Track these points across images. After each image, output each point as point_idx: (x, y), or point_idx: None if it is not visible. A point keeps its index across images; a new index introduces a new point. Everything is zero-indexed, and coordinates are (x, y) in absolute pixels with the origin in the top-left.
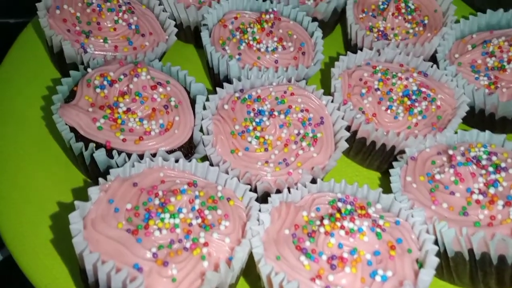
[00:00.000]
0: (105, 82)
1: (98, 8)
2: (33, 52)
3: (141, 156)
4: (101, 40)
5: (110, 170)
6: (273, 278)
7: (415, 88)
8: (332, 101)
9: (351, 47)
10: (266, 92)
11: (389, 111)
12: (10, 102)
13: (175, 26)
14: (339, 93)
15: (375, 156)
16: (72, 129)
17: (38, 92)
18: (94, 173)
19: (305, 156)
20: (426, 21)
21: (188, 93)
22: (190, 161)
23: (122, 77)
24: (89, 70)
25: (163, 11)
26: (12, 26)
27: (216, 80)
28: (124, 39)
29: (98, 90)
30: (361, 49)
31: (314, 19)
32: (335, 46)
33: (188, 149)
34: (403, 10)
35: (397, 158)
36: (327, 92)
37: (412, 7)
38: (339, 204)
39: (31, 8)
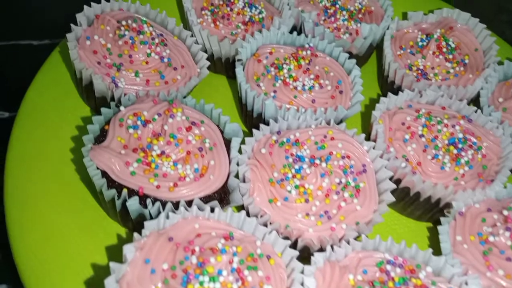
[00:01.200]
0: (138, 122)
1: (130, 41)
2: (59, 81)
3: (175, 204)
4: (133, 74)
5: (145, 223)
6: None
7: (460, 135)
8: (374, 148)
9: (388, 84)
10: (305, 135)
11: (435, 160)
12: (35, 141)
13: (207, 57)
14: (382, 139)
15: (418, 206)
16: (103, 173)
17: (66, 128)
18: (125, 220)
19: (348, 209)
20: (466, 61)
21: (222, 132)
22: (225, 210)
23: (156, 117)
24: (121, 108)
25: (195, 43)
26: (35, 48)
27: (249, 116)
28: (156, 72)
29: (131, 130)
30: (400, 88)
31: (349, 53)
32: (368, 78)
33: (222, 195)
34: (444, 49)
35: (442, 210)
36: (365, 129)
37: (453, 45)
38: (388, 267)
39: (54, 29)
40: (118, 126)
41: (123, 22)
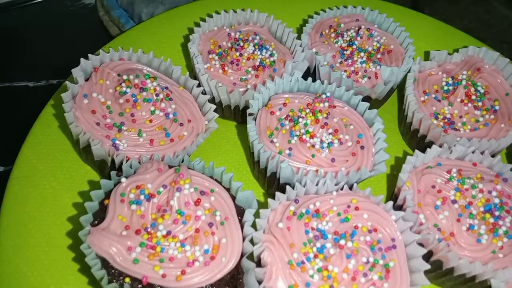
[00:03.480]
0: (141, 197)
1: (133, 99)
2: (55, 137)
3: None
4: (135, 134)
5: None
6: None
7: (497, 200)
8: (403, 218)
9: (411, 131)
10: (326, 205)
11: (470, 231)
12: (30, 207)
13: (214, 103)
14: (411, 208)
15: (451, 279)
16: (103, 259)
17: (63, 191)
18: None
19: None
20: (497, 107)
21: (234, 198)
22: None
23: (161, 189)
24: (122, 179)
25: (202, 93)
26: (31, 90)
27: (262, 173)
28: (160, 130)
29: (133, 206)
30: (425, 137)
31: (367, 97)
32: (387, 120)
33: (235, 274)
34: (472, 96)
35: (479, 284)
36: (390, 188)
37: (482, 91)
38: None
39: (50, 69)
40: (119, 202)
41: (124, 77)
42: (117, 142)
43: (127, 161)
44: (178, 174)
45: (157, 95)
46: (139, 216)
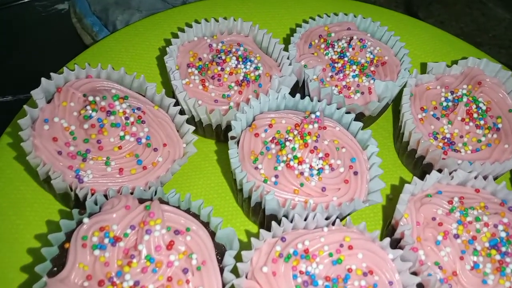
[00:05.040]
0: (106, 240)
1: (99, 123)
2: (13, 167)
3: None
4: (102, 163)
5: None
6: None
7: (503, 234)
8: (401, 259)
9: (408, 151)
10: (316, 243)
11: (474, 271)
12: None
13: (194, 121)
14: (410, 244)
15: None
16: None
17: (24, 227)
18: None
19: None
20: (499, 125)
21: (213, 236)
22: None
23: (129, 231)
24: (85, 219)
25: (179, 113)
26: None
27: (245, 203)
28: (131, 156)
29: (97, 252)
30: (423, 159)
31: (360, 115)
32: (381, 136)
33: None
34: (474, 114)
35: None
36: (386, 216)
37: (484, 107)
38: None
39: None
40: (81, 247)
41: (90, 98)
42: (81, 173)
43: (92, 194)
44: (148, 213)
45: (127, 118)
46: (103, 263)
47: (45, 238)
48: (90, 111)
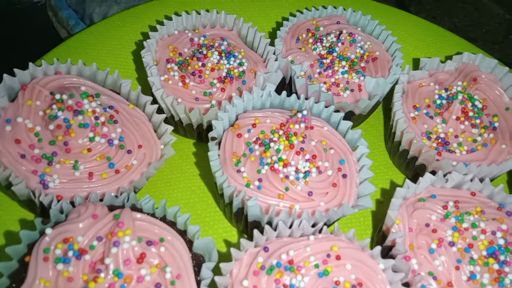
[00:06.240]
0: (70, 253)
1: (65, 124)
2: None
3: None
4: (70, 166)
5: None
6: None
7: (501, 242)
8: (393, 269)
9: (399, 151)
10: (302, 254)
11: (471, 282)
12: None
13: (174, 121)
14: (402, 253)
15: None
16: None
17: None
18: None
19: None
20: (496, 123)
21: (190, 247)
22: None
23: (95, 243)
24: (47, 230)
25: (156, 112)
26: None
27: (227, 208)
28: (102, 159)
29: (60, 266)
30: (415, 159)
31: (350, 113)
32: (372, 135)
33: None
34: (470, 113)
35: None
36: (376, 221)
37: (480, 105)
38: None
39: None
40: (42, 261)
41: (57, 96)
42: (46, 178)
43: (58, 201)
44: (117, 222)
45: (96, 118)
46: (66, 278)
47: (3, 251)
48: (56, 111)
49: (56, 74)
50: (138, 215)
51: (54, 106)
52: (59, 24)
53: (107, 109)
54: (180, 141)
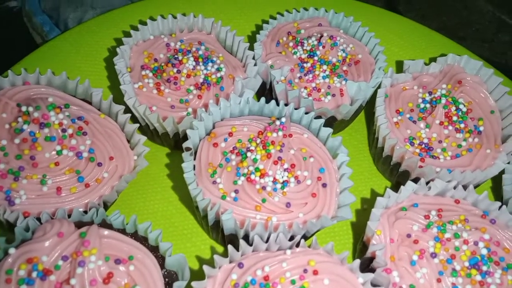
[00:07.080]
0: (34, 274)
1: (31, 137)
2: None
3: None
4: (37, 181)
5: None
6: None
7: (484, 252)
8: (372, 283)
9: (382, 157)
10: (278, 271)
11: None
12: None
13: (149, 130)
14: (382, 266)
15: None
16: None
17: None
18: None
19: None
20: (481, 127)
21: (162, 263)
22: None
23: (60, 263)
24: (10, 250)
25: (129, 122)
26: None
27: (204, 221)
28: (71, 173)
29: None
30: (399, 166)
31: (332, 118)
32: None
33: None
34: (454, 117)
35: None
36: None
37: (464, 109)
38: None
39: None
40: (4, 283)
41: (23, 108)
42: (12, 194)
43: (25, 218)
44: (83, 241)
45: (63, 130)
46: None
47: None
48: (22, 124)
49: (24, 85)
50: (106, 232)
51: (20, 119)
52: (33, 30)
53: (76, 120)
54: (157, 150)
